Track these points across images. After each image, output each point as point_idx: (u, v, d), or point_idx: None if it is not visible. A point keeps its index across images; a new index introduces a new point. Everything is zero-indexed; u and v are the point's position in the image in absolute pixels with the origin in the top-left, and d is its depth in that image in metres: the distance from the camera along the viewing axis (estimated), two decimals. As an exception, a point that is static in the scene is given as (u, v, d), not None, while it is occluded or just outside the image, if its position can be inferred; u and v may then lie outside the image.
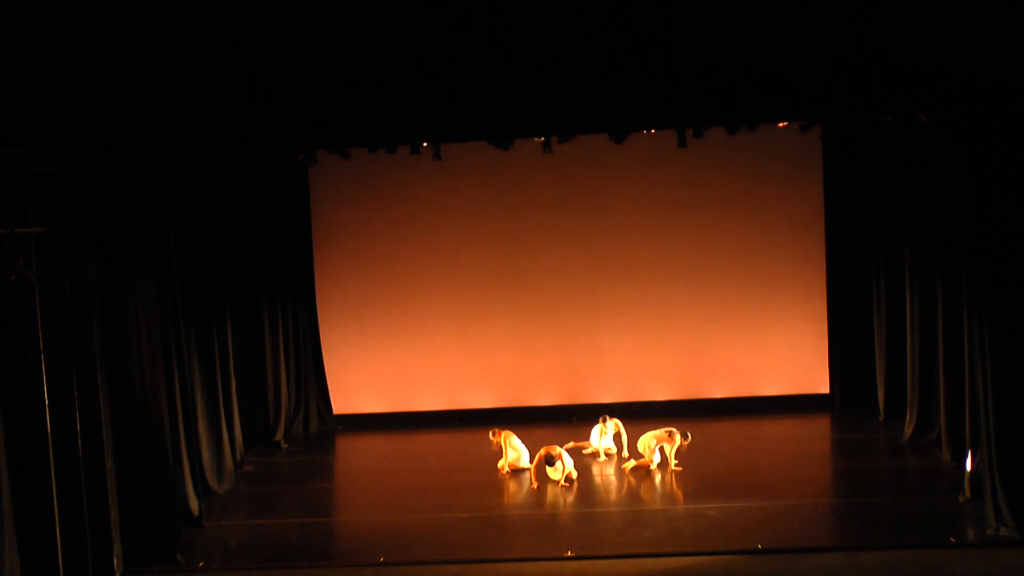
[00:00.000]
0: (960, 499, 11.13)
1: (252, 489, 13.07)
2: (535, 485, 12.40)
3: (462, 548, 10.71)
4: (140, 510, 10.51)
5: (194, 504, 11.56)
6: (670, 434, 12.76)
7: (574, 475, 12.51)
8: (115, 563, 10.18)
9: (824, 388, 15.61)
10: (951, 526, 10.53)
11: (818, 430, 14.90)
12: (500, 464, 13.11)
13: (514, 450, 13.18)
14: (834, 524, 11.00)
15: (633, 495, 12.13)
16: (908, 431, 13.62)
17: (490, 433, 13.34)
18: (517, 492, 12.49)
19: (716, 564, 9.97)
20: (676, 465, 12.77)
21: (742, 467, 12.95)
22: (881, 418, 14.75)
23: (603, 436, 13.51)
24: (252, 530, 11.55)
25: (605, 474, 13.02)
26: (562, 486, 12.32)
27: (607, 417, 13.58)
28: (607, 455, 13.50)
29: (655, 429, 12.95)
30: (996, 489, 10.17)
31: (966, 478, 11.17)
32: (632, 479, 12.65)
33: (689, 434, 12.75)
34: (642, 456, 12.88)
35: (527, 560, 10.25)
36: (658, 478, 12.64)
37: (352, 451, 15.30)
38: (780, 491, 11.87)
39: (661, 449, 12.84)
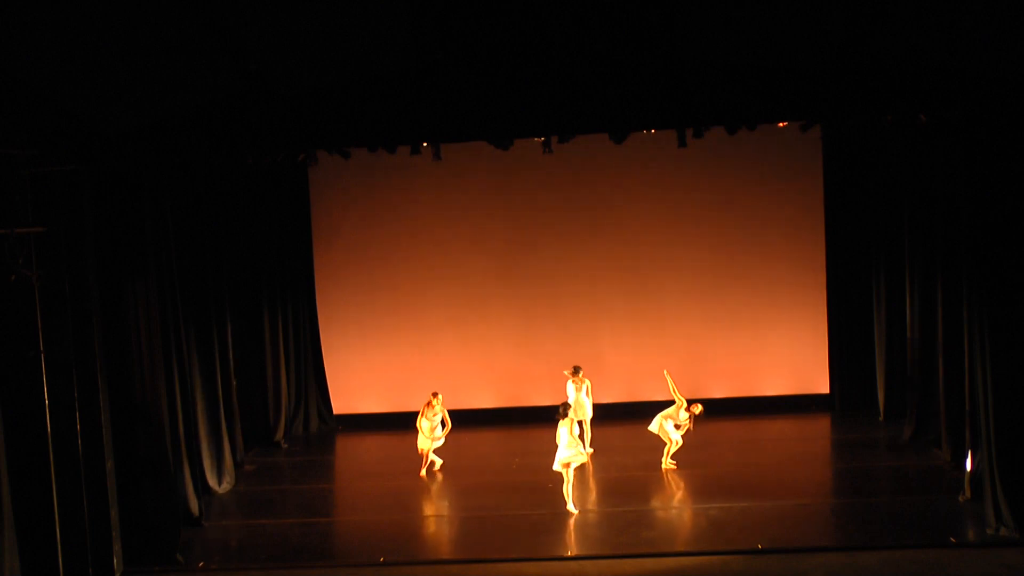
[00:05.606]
0: (960, 499, 11.14)
1: (252, 489, 13.07)
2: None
3: (462, 548, 10.72)
4: (140, 510, 10.52)
5: (194, 504, 11.56)
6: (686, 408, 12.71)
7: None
8: (115, 563, 10.18)
9: (824, 388, 15.62)
10: (951, 526, 10.54)
11: (818, 430, 14.91)
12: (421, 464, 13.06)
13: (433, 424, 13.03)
14: (834, 524, 11.00)
15: (633, 495, 12.12)
16: (908, 431, 13.63)
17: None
18: (517, 492, 12.48)
19: (716, 564, 9.97)
20: (673, 463, 12.80)
21: (742, 467, 12.96)
22: (881, 418, 14.77)
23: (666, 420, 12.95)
24: (252, 530, 11.55)
25: (606, 475, 13.05)
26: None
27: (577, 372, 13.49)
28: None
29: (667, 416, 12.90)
30: (996, 489, 10.17)
31: (966, 478, 11.17)
32: (635, 476, 12.70)
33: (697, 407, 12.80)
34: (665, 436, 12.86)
35: (527, 560, 10.25)
36: (658, 478, 12.66)
37: (352, 451, 15.30)
38: (780, 491, 11.89)
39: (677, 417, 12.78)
